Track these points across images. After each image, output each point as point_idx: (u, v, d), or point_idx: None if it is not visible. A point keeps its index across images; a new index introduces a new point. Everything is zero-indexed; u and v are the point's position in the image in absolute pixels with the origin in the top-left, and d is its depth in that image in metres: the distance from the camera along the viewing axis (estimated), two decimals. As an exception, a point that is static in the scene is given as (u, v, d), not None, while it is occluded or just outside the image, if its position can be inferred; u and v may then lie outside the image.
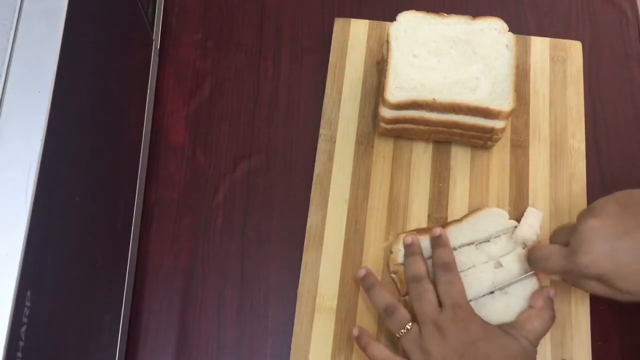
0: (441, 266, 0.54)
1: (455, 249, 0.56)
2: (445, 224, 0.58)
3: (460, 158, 0.62)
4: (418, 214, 0.60)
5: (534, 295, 0.54)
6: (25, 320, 0.36)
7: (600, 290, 0.48)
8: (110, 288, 0.53)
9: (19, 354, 0.36)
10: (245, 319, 0.59)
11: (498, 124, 0.57)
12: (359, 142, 0.63)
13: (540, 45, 0.67)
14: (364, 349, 0.54)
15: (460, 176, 0.62)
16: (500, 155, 0.62)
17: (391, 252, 0.58)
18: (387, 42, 0.59)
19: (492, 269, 0.55)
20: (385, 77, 0.57)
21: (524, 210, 0.59)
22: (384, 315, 0.54)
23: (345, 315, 0.57)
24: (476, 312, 0.52)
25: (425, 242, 0.57)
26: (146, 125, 0.62)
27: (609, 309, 0.58)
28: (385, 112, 0.58)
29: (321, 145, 0.63)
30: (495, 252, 0.56)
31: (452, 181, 0.61)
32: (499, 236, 0.57)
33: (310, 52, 0.68)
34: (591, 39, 0.69)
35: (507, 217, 0.58)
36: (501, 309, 0.54)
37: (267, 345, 0.58)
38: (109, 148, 0.52)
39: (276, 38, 0.69)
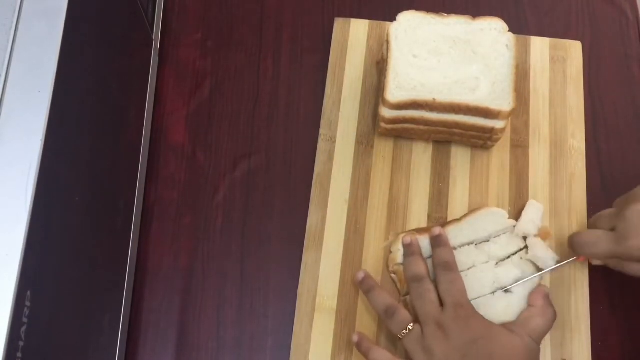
0: (442, 266, 0.54)
1: (455, 248, 0.56)
2: (445, 224, 0.58)
3: (460, 158, 0.62)
4: (418, 214, 0.60)
5: (533, 294, 0.54)
6: (25, 320, 0.36)
7: None
8: (110, 288, 0.53)
9: (19, 354, 0.36)
10: (245, 318, 0.59)
11: (498, 124, 0.57)
12: (359, 142, 0.63)
13: (540, 45, 0.67)
14: (365, 354, 0.53)
15: (460, 176, 0.62)
16: (500, 155, 0.62)
17: (390, 252, 0.58)
18: (387, 42, 0.59)
19: (492, 269, 0.55)
20: (385, 77, 0.57)
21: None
22: (384, 317, 0.54)
23: (345, 315, 0.57)
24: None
25: (424, 241, 0.57)
26: (146, 125, 0.62)
27: (609, 309, 0.58)
28: (385, 112, 0.58)
29: (321, 145, 0.63)
30: (495, 251, 0.56)
31: (452, 181, 0.61)
32: (498, 236, 0.57)
33: (310, 52, 0.68)
34: (591, 39, 0.69)
35: (507, 216, 0.58)
36: (502, 308, 0.54)
37: (267, 345, 0.58)
38: (109, 148, 0.52)
39: (276, 38, 0.69)
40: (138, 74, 0.61)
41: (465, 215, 0.59)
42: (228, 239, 0.61)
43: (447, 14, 0.60)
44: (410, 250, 0.56)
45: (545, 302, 0.54)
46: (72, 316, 0.44)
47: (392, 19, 0.60)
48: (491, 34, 0.59)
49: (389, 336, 0.56)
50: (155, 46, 0.65)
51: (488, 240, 0.57)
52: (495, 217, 0.58)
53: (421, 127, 0.59)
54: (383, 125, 0.60)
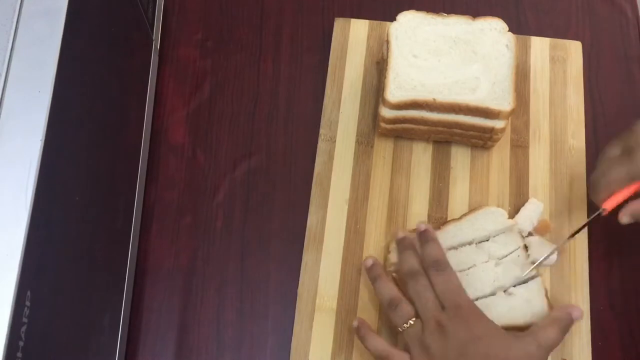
0: (433, 266, 0.53)
1: (455, 248, 0.56)
2: (444, 223, 0.58)
3: (460, 158, 0.62)
4: (418, 214, 0.60)
5: (560, 306, 0.54)
6: (25, 320, 0.36)
7: None
8: (110, 288, 0.53)
9: (19, 354, 0.36)
10: (245, 319, 0.59)
11: (498, 124, 0.57)
12: (359, 142, 0.63)
13: (540, 45, 0.67)
14: (362, 340, 0.54)
15: (460, 176, 0.62)
16: (500, 155, 0.62)
17: (389, 251, 0.58)
18: (387, 42, 0.59)
19: (492, 268, 0.55)
20: (385, 77, 0.57)
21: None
22: (387, 309, 0.53)
23: (345, 315, 0.57)
24: None
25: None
26: (146, 125, 0.62)
27: (609, 309, 0.58)
28: (385, 112, 0.58)
29: (321, 145, 0.63)
30: (495, 251, 0.56)
31: (452, 181, 0.61)
32: (498, 235, 0.57)
33: (310, 52, 0.68)
34: (591, 39, 0.69)
35: (506, 216, 0.58)
36: (505, 310, 0.54)
37: (267, 345, 0.58)
38: (109, 148, 0.52)
39: (276, 38, 0.69)
40: (138, 74, 0.61)
41: (464, 215, 0.59)
42: (228, 239, 0.61)
43: (447, 14, 0.60)
44: (403, 244, 0.55)
45: (564, 316, 0.52)
46: (72, 316, 0.44)
47: (392, 19, 0.60)
48: (491, 34, 0.59)
49: (389, 331, 0.56)
50: (155, 46, 0.65)
51: (488, 240, 0.57)
52: (494, 217, 0.58)
53: (421, 127, 0.59)
54: (383, 125, 0.60)
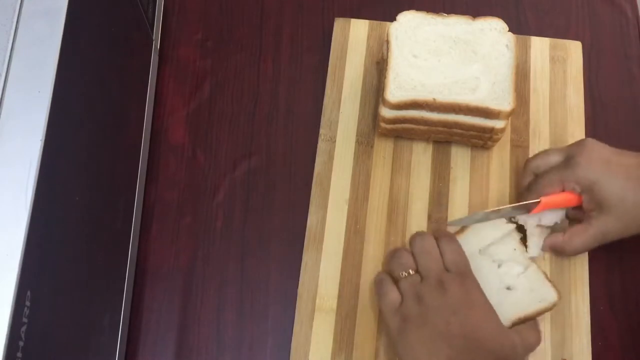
0: (445, 236, 0.54)
1: None
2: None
3: (460, 158, 0.62)
4: (418, 214, 0.60)
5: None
6: (25, 320, 0.36)
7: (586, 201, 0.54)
8: (110, 288, 0.53)
9: (19, 354, 0.36)
10: (245, 319, 0.59)
11: (498, 123, 0.57)
12: (359, 142, 0.63)
13: (540, 45, 0.67)
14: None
15: (460, 176, 0.62)
16: (500, 155, 0.62)
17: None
18: (387, 42, 0.59)
19: (496, 270, 0.55)
20: (385, 77, 0.57)
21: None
22: (388, 257, 0.54)
23: (345, 315, 0.57)
24: None
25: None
26: (146, 125, 0.62)
27: (609, 309, 0.58)
28: (385, 112, 0.58)
29: (321, 145, 0.63)
30: (496, 252, 0.56)
31: (452, 181, 0.61)
32: (501, 239, 0.57)
33: (310, 52, 0.68)
34: (591, 39, 0.69)
35: (505, 220, 0.57)
36: (510, 306, 0.54)
37: (267, 345, 0.58)
38: (109, 148, 0.52)
39: (276, 38, 0.69)
40: (138, 74, 0.61)
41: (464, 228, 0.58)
42: (228, 239, 0.61)
43: (447, 14, 0.60)
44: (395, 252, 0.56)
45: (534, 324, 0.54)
46: (72, 316, 0.44)
47: (392, 19, 0.60)
48: (491, 34, 0.59)
49: (389, 336, 0.56)
50: (155, 46, 0.65)
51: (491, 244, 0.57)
52: (495, 222, 0.57)
53: (421, 127, 0.59)
54: (383, 125, 0.60)
